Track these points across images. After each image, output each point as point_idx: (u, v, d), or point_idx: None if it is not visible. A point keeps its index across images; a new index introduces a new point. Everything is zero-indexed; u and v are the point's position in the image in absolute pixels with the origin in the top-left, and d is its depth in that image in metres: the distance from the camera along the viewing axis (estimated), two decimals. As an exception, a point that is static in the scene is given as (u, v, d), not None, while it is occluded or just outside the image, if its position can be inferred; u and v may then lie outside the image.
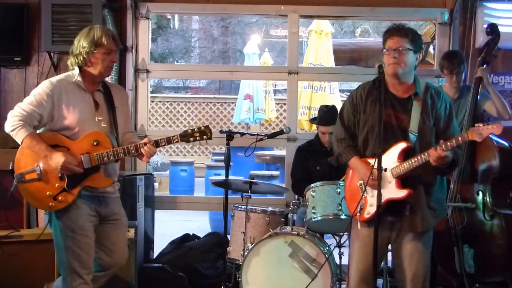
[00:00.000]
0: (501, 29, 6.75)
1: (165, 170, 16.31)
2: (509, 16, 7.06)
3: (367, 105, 4.73)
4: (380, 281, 5.80)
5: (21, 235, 5.82)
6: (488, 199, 5.86)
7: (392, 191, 4.53)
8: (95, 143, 4.75)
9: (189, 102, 19.84)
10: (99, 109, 4.88)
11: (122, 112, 5.06)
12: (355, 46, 13.67)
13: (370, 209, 4.61)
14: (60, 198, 4.70)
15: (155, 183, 8.11)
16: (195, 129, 4.85)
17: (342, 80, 11.40)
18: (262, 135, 6.43)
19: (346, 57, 12.54)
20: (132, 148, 4.78)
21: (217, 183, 6.44)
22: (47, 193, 4.70)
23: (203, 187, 13.05)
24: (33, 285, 5.70)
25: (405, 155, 4.56)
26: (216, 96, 21.79)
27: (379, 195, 4.34)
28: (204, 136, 4.85)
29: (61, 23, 7.02)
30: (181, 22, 26.08)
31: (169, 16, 22.72)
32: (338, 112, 4.98)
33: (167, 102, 19.83)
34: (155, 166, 16.90)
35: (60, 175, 4.69)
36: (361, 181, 4.71)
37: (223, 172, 7.45)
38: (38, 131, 4.74)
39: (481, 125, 4.38)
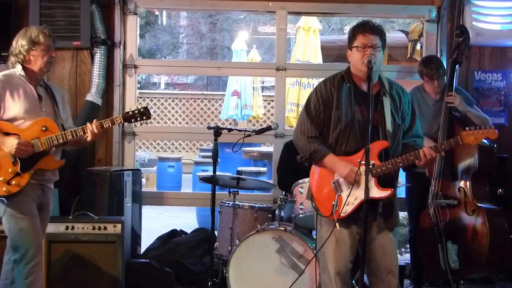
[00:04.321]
0: (488, 26, 6.80)
1: (152, 166, 16.26)
2: (496, 13, 7.08)
3: (338, 102, 4.62)
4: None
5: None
6: (469, 195, 5.92)
7: (373, 190, 4.43)
8: (43, 129, 5.02)
9: (176, 98, 19.79)
10: (43, 101, 5.17)
11: (64, 109, 5.36)
12: (343, 43, 13.61)
13: (347, 208, 4.54)
14: (13, 182, 4.93)
15: (142, 179, 8.11)
16: (136, 110, 5.20)
17: (330, 77, 11.38)
18: (250, 131, 6.42)
19: (334, 54, 12.54)
20: (79, 131, 5.07)
21: (205, 179, 6.45)
22: (0, 178, 4.91)
23: (191, 183, 13.03)
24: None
25: (379, 154, 4.53)
26: (204, 92, 21.73)
27: (367, 191, 4.30)
28: (144, 117, 5.21)
29: (49, 18, 7.01)
30: (169, 18, 26.00)
31: (157, 12, 22.64)
32: (304, 108, 4.82)
33: (155, 98, 19.79)
34: (143, 162, 16.86)
35: (13, 160, 4.93)
36: (335, 180, 4.63)
37: (210, 168, 7.46)
38: None
39: (475, 128, 4.39)
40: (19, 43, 5.07)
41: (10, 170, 4.92)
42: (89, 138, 5.10)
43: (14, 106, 4.99)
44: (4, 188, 4.90)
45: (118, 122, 5.21)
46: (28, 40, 5.04)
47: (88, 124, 5.07)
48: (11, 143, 4.87)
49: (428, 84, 6.40)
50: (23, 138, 4.94)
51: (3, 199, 4.94)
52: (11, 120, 4.98)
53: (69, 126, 5.32)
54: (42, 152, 5.02)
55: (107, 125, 5.15)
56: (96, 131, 5.07)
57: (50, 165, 5.14)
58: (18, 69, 5.09)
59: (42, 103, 5.14)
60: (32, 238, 4.98)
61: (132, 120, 5.21)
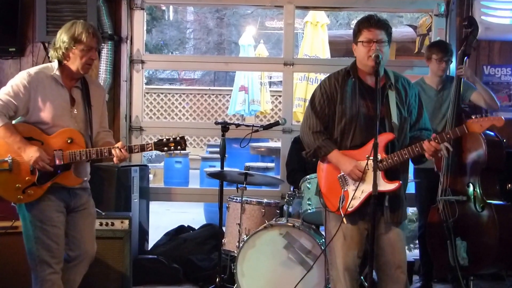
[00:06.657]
0: (497, 20, 6.76)
1: (160, 162, 16.28)
2: (505, 7, 7.04)
3: (343, 96, 4.60)
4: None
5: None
6: (478, 191, 5.88)
7: (380, 183, 4.39)
8: (69, 141, 4.69)
9: (184, 94, 19.80)
10: (75, 105, 4.81)
11: (98, 111, 5.00)
12: (351, 38, 13.60)
13: (354, 202, 4.52)
14: (29, 191, 4.64)
15: (150, 175, 8.09)
16: (171, 139, 4.80)
17: (338, 71, 11.35)
18: (258, 126, 6.41)
19: (342, 48, 12.49)
20: (105, 151, 4.73)
21: (212, 175, 6.44)
22: (17, 185, 4.63)
23: (198, 179, 13.05)
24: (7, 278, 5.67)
25: (386, 147, 4.50)
26: (211, 87, 21.72)
27: (375, 186, 4.28)
28: (179, 147, 4.81)
29: (55, 13, 6.99)
30: (175, 13, 26.03)
31: (164, 7, 22.67)
32: (309, 103, 4.82)
33: (162, 93, 19.79)
34: (150, 157, 16.87)
35: (31, 168, 4.63)
36: (340, 175, 4.61)
37: (218, 163, 7.42)
38: (13, 122, 4.68)
39: (480, 116, 4.34)
40: (61, 37, 4.70)
41: (27, 178, 4.63)
42: (115, 161, 4.73)
43: (42, 109, 4.66)
44: (19, 196, 4.62)
45: (148, 149, 4.80)
46: (71, 36, 4.66)
47: (116, 146, 4.71)
48: (31, 153, 4.55)
49: (434, 65, 6.35)
50: (46, 146, 4.63)
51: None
52: (38, 123, 4.67)
53: (104, 130, 5.06)
54: (63, 166, 4.68)
55: (136, 151, 4.78)
56: (123, 155, 4.71)
57: (68, 181, 4.76)
58: (54, 67, 4.73)
59: (73, 107, 4.78)
60: (47, 248, 4.66)
61: (165, 149, 4.79)
